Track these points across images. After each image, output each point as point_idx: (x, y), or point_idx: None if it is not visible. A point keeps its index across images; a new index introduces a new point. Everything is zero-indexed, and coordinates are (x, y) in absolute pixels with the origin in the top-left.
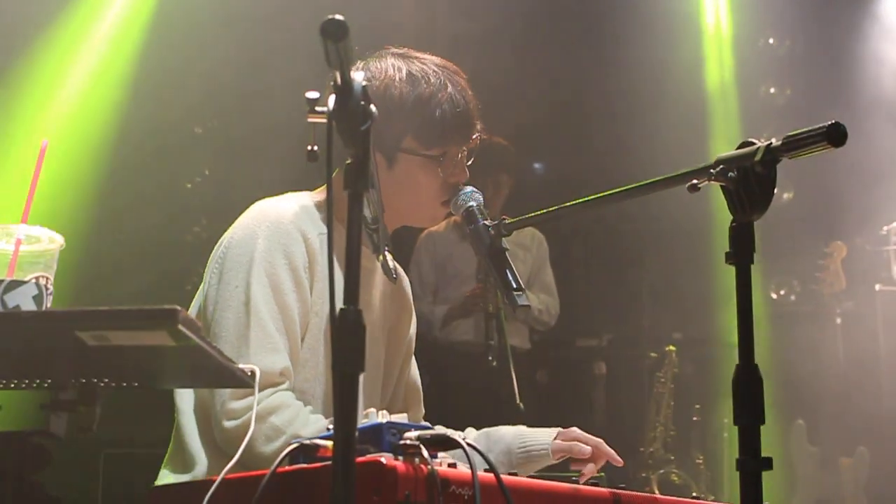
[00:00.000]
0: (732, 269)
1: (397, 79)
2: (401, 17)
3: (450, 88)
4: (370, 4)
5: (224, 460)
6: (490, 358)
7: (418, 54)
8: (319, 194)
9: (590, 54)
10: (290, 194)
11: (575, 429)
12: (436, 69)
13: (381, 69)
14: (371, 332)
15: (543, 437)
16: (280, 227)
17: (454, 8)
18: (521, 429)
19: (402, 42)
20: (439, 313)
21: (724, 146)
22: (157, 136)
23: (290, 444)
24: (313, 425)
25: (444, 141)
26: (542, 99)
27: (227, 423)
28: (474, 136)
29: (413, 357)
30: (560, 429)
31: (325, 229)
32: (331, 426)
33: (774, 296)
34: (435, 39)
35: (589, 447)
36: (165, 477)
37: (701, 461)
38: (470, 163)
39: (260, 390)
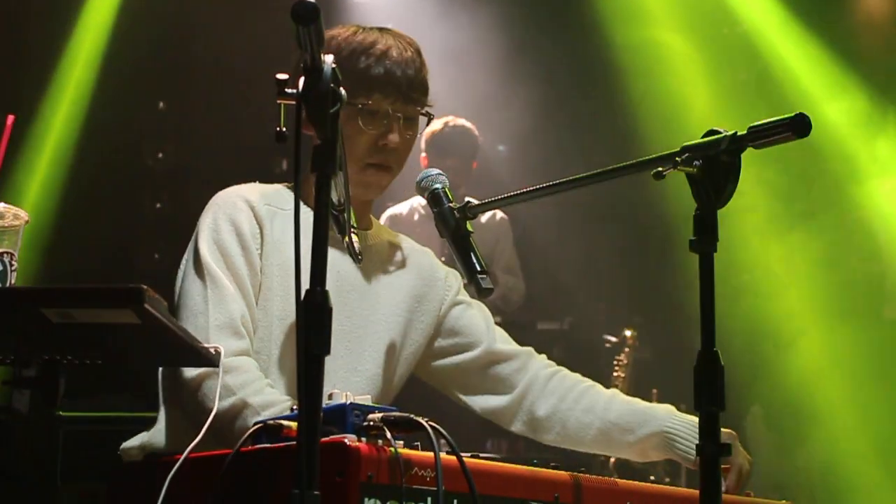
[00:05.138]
0: (693, 255)
1: (342, 35)
2: None
3: (386, 45)
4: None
5: (179, 413)
6: None
7: (382, 28)
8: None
9: (561, 34)
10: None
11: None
12: (386, 34)
13: (339, 31)
14: (370, 314)
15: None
16: (226, 200)
17: None
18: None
19: None
20: None
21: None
22: (123, 113)
23: (254, 424)
24: (266, 396)
25: (368, 91)
26: (509, 80)
27: (188, 374)
28: (416, 105)
29: (472, 307)
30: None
31: (273, 203)
32: (286, 403)
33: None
34: (401, 14)
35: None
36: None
37: None
38: (426, 148)
39: (225, 338)
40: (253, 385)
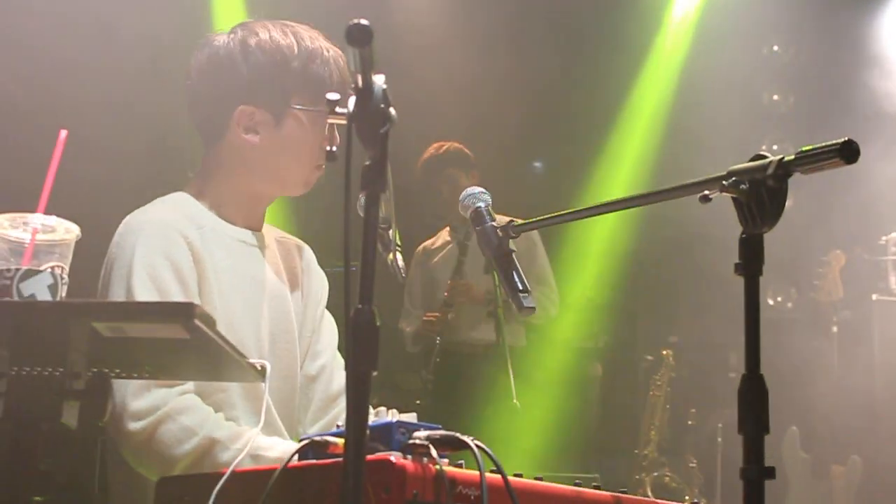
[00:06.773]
0: (731, 277)
1: (284, 41)
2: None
3: (329, 49)
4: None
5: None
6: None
7: (292, 23)
8: (194, 188)
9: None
10: (158, 199)
11: None
12: (316, 32)
13: (268, 33)
14: (287, 316)
15: None
16: (157, 231)
17: (448, 8)
18: None
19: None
20: (410, 332)
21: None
22: (175, 129)
23: (301, 442)
24: (227, 429)
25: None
26: (543, 98)
27: (133, 426)
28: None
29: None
30: None
31: (204, 224)
32: (250, 433)
33: (771, 302)
34: (428, 39)
35: None
36: None
37: (694, 465)
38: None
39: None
40: (211, 420)
